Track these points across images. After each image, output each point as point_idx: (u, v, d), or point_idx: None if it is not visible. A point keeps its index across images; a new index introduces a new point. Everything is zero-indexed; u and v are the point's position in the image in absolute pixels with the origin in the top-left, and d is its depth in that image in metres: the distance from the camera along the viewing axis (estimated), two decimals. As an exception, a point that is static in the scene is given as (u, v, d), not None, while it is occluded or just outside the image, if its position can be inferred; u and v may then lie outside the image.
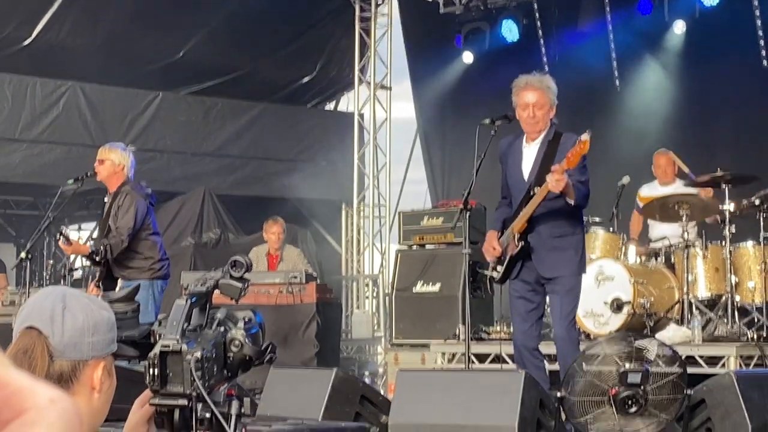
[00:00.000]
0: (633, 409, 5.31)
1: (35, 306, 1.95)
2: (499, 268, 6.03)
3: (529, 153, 6.01)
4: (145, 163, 12.52)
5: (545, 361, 6.13)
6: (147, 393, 1.81)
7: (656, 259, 8.52)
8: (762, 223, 7.89)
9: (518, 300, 6.05)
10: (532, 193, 5.84)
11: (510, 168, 6.11)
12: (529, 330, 6.01)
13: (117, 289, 7.49)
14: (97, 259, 7.47)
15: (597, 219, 8.71)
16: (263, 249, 10.43)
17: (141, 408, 2.11)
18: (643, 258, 8.58)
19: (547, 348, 6.31)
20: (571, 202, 5.75)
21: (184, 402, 2.69)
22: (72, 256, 11.50)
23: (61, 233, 7.57)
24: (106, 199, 7.79)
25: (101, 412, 1.95)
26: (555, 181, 5.56)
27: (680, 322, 7.92)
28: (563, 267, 5.91)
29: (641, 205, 8.77)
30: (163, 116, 12.85)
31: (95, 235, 7.87)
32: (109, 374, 1.97)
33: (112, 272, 7.58)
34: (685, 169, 8.74)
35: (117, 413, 2.04)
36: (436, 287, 9.59)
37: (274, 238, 10.32)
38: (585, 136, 5.56)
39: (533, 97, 5.91)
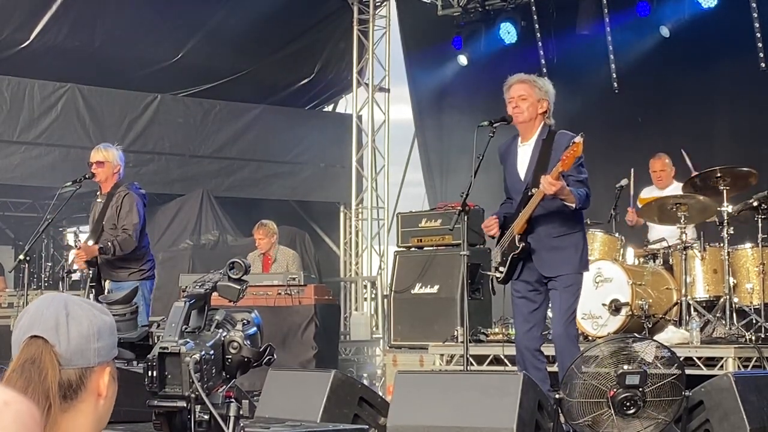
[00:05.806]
0: (631, 411, 5.30)
1: (36, 315, 1.90)
2: (501, 268, 6.04)
3: (524, 153, 6.04)
4: (144, 165, 12.52)
5: (546, 363, 6.12)
6: None
7: (654, 260, 8.52)
8: (760, 225, 7.89)
9: (520, 300, 6.06)
10: (529, 194, 5.86)
11: (508, 169, 6.15)
12: (531, 331, 6.01)
13: (106, 291, 7.49)
14: (109, 256, 7.46)
15: (595, 221, 8.71)
16: (258, 251, 10.50)
17: None
18: (642, 260, 8.58)
19: (548, 350, 6.31)
20: (572, 206, 5.77)
21: (182, 404, 2.69)
22: (70, 258, 11.48)
23: (75, 235, 7.56)
24: (99, 200, 7.77)
25: (105, 418, 1.93)
26: (548, 184, 5.59)
27: (678, 323, 7.92)
28: (563, 266, 5.92)
29: (640, 206, 8.76)
30: (162, 118, 12.85)
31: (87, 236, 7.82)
32: (113, 379, 1.96)
33: (100, 274, 7.57)
34: (692, 169, 8.71)
35: (114, 415, 2.03)
36: (435, 289, 9.58)
37: (261, 242, 10.49)
38: (578, 138, 5.60)
39: (517, 89, 5.99)
